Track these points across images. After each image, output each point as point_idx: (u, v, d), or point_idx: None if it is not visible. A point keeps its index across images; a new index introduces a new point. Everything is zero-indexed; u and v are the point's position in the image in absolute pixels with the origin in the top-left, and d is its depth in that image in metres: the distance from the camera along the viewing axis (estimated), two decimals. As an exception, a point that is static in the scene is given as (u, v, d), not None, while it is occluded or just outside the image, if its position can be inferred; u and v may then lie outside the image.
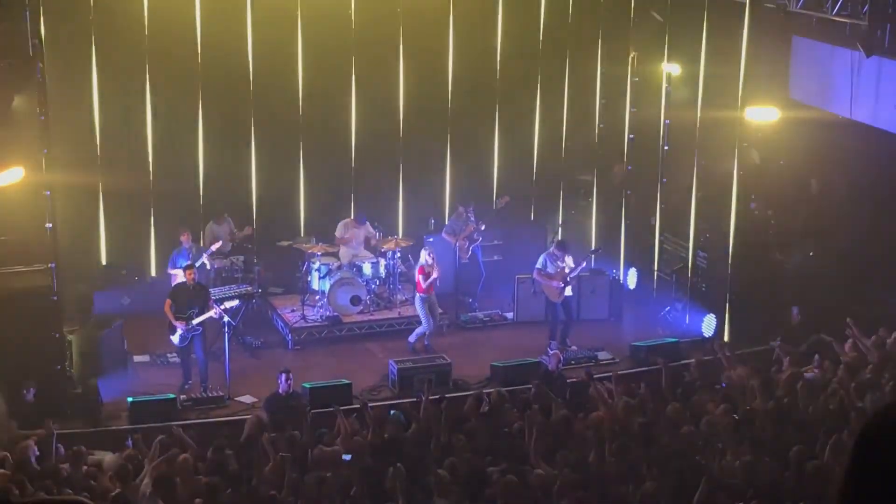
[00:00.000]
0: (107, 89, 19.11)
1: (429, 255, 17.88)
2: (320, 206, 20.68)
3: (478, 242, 20.00)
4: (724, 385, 15.06)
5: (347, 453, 12.39)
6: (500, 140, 21.80)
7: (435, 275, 17.76)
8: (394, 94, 20.84)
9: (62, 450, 12.82)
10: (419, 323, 18.48)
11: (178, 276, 17.42)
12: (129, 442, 13.48)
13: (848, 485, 2.30)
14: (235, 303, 17.30)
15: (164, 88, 19.40)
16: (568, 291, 18.27)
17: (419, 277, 17.82)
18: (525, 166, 22.17)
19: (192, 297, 16.41)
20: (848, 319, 15.78)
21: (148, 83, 19.25)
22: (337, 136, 20.68)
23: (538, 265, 18.24)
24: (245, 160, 20.18)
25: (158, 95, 19.37)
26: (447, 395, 14.65)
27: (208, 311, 16.37)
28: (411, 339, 18.04)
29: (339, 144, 20.71)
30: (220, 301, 16.94)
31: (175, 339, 16.43)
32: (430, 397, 13.92)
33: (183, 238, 18.14)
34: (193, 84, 19.53)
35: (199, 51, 19.41)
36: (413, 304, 18.57)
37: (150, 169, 19.60)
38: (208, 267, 18.32)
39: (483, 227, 19.88)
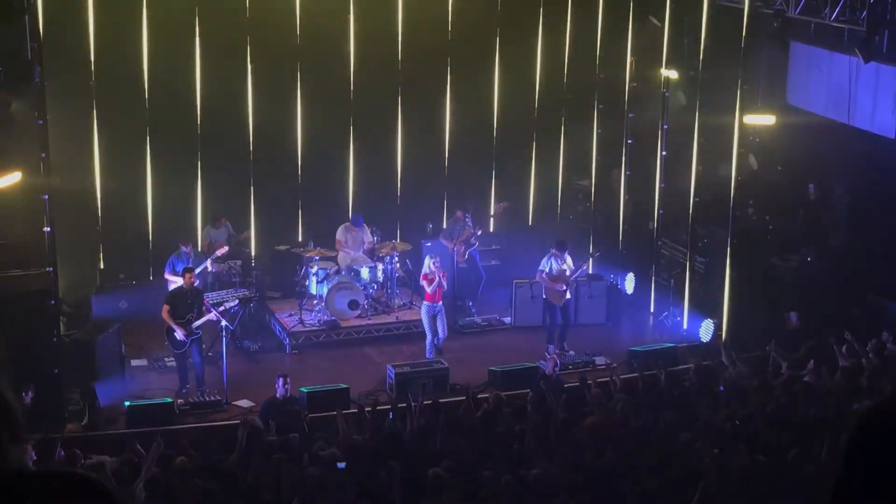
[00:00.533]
0: (105, 93, 19.09)
1: (433, 262, 17.68)
2: (318, 211, 20.67)
3: (475, 247, 20.00)
4: (721, 389, 15.06)
5: (342, 459, 12.35)
6: (499, 146, 21.80)
7: (438, 280, 17.53)
8: (391, 100, 20.83)
9: (62, 453, 12.79)
10: (416, 327, 18.59)
11: (175, 280, 17.42)
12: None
13: (843, 481, 2.29)
14: (234, 303, 17.30)
15: (163, 98, 19.39)
16: (568, 295, 18.29)
17: (423, 284, 17.70)
18: (523, 172, 22.18)
19: (190, 302, 16.40)
20: (847, 334, 15.81)
21: (147, 87, 19.23)
22: (335, 141, 20.68)
23: (542, 268, 18.23)
24: (243, 164, 20.17)
25: (158, 105, 19.36)
26: (442, 400, 14.68)
27: (205, 313, 16.36)
28: (428, 355, 17.82)
29: (337, 148, 20.71)
30: (218, 304, 16.92)
31: (174, 343, 16.40)
32: (424, 402, 13.94)
33: (182, 244, 18.13)
34: (192, 88, 19.52)
35: (199, 54, 19.40)
36: (420, 311, 18.63)
37: (149, 173, 19.59)
38: (210, 269, 18.30)
39: (479, 233, 19.89)
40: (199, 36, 19.37)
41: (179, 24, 19.26)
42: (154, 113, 19.40)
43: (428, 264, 17.70)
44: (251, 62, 19.77)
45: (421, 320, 18.51)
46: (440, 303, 17.67)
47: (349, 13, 20.15)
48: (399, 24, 20.54)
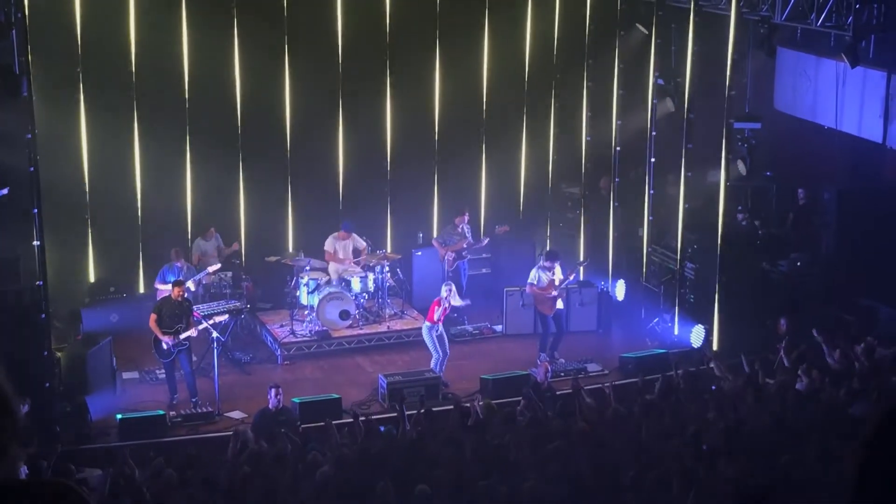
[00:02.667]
0: (94, 107, 19.08)
1: (448, 289, 17.45)
2: (308, 222, 20.67)
3: (466, 259, 20.01)
4: (713, 389, 15.08)
5: (336, 463, 12.34)
6: (488, 154, 21.85)
7: (443, 308, 17.38)
8: (381, 111, 20.87)
9: (45, 465, 12.77)
10: (407, 336, 18.70)
11: (165, 291, 17.42)
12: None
13: (864, 479, 2.29)
14: (225, 317, 17.28)
15: (151, 107, 19.39)
16: (559, 304, 18.31)
17: (434, 307, 17.49)
18: (513, 180, 22.22)
19: (178, 312, 16.39)
20: (838, 339, 15.90)
21: (136, 102, 19.24)
22: (325, 152, 20.70)
23: (531, 280, 18.26)
24: (233, 176, 20.17)
25: (146, 114, 19.36)
26: (434, 409, 14.69)
27: (194, 325, 16.36)
28: (435, 370, 17.57)
29: (327, 159, 20.73)
30: (209, 316, 16.91)
31: (160, 352, 16.39)
32: (410, 412, 13.96)
33: (174, 257, 18.11)
34: (181, 102, 19.53)
35: (187, 69, 19.41)
36: (404, 316, 18.60)
37: (138, 186, 19.59)
38: (195, 287, 18.26)
39: (486, 242, 20.01)
40: (187, 44, 19.36)
41: (168, 34, 19.25)
42: (143, 125, 19.38)
43: (444, 290, 17.45)
44: (239, 66, 19.76)
45: (414, 330, 18.58)
46: (441, 324, 17.49)
47: (337, 23, 20.19)
48: (387, 31, 20.56)
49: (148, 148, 19.53)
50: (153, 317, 16.39)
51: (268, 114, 20.21)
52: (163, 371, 16.98)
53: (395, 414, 14.55)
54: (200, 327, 16.38)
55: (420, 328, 19.02)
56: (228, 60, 19.68)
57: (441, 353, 17.39)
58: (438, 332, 17.43)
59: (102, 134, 19.23)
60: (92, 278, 19.61)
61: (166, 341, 16.23)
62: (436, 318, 17.34)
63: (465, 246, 19.84)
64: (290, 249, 20.21)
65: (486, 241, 20.22)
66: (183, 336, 16.26)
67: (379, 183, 21.17)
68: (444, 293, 17.37)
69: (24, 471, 12.35)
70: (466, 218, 20.10)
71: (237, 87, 19.81)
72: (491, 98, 21.57)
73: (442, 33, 20.95)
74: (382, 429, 14.20)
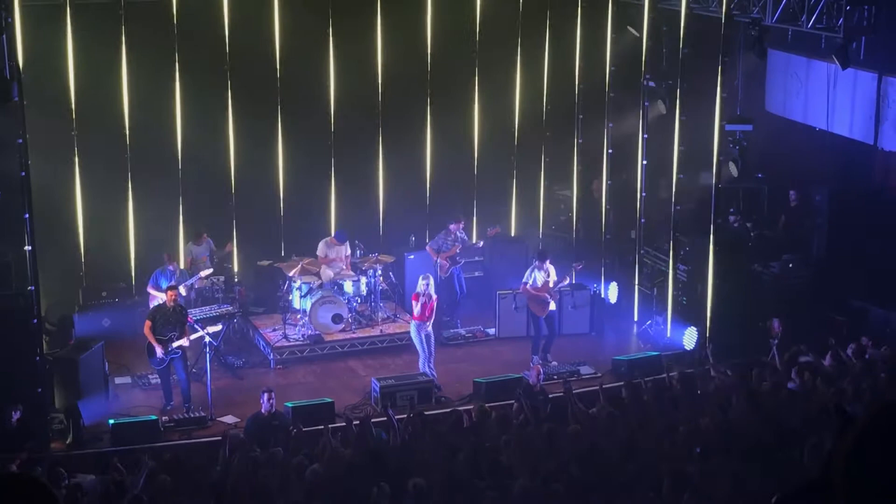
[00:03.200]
0: (85, 110, 19.05)
1: (425, 283, 17.40)
2: (300, 225, 20.65)
3: (460, 264, 19.99)
4: (702, 395, 15.08)
5: (326, 474, 12.33)
6: (480, 157, 21.84)
7: (423, 302, 17.24)
8: (373, 116, 20.85)
9: (40, 470, 12.75)
10: (400, 340, 18.79)
11: (158, 296, 17.40)
12: None
13: (850, 477, 2.29)
14: (218, 328, 17.19)
15: (142, 110, 19.36)
16: (552, 306, 18.33)
17: (413, 303, 17.55)
18: (504, 182, 22.22)
19: (172, 320, 16.36)
20: (831, 340, 15.95)
21: (126, 104, 19.20)
22: (316, 156, 20.69)
23: (525, 280, 18.27)
24: (225, 180, 20.15)
25: (137, 117, 19.33)
26: (427, 413, 14.69)
27: (189, 332, 16.32)
28: (422, 369, 17.50)
29: (319, 164, 20.72)
30: (203, 323, 16.85)
31: (154, 360, 16.36)
32: (400, 416, 13.97)
33: (168, 262, 18.09)
34: (172, 107, 19.50)
35: (178, 65, 19.39)
36: (397, 320, 18.61)
37: (130, 191, 19.55)
38: (186, 292, 18.24)
39: (480, 244, 19.99)
40: (179, 56, 19.33)
41: (160, 45, 19.21)
42: (135, 129, 19.34)
43: (420, 284, 17.46)
44: (231, 79, 19.75)
45: (407, 333, 18.60)
46: (428, 322, 17.43)
47: (329, 38, 20.17)
48: (378, 44, 20.55)
49: (140, 152, 19.49)
50: (147, 324, 16.35)
51: (259, 125, 20.17)
52: (155, 376, 16.96)
53: (383, 419, 14.50)
54: (193, 336, 16.34)
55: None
56: (219, 77, 19.66)
57: (426, 353, 17.32)
58: (426, 331, 17.36)
59: (95, 137, 19.18)
60: (84, 283, 19.57)
61: (158, 350, 16.17)
62: (417, 313, 17.30)
63: (458, 251, 19.81)
64: (283, 253, 20.20)
65: (480, 244, 20.17)
66: (175, 345, 16.20)
67: (372, 185, 21.15)
68: (420, 287, 17.32)
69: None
70: (462, 225, 20.05)
71: (229, 100, 19.78)
72: (482, 101, 21.55)
73: (434, 44, 20.93)
74: (384, 435, 14.17)
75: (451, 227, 20.03)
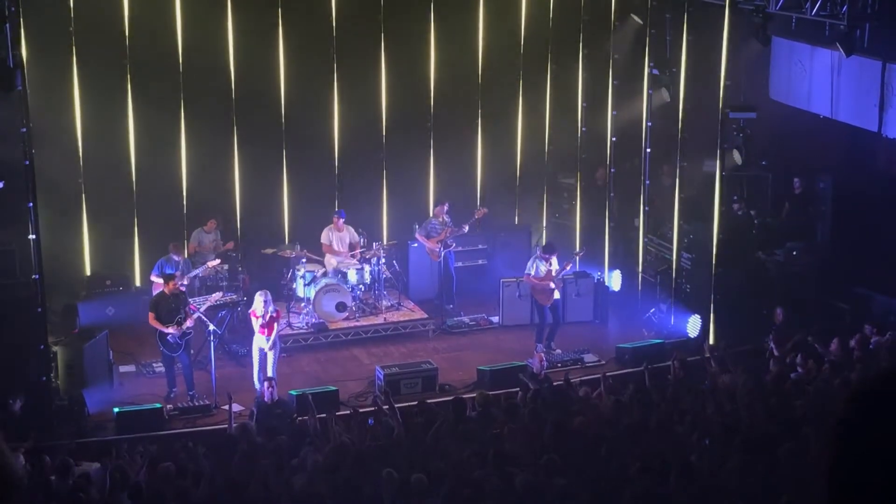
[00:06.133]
0: (89, 99, 19.05)
1: (263, 300, 16.37)
2: (304, 214, 20.65)
3: (451, 248, 19.96)
4: (707, 384, 15.10)
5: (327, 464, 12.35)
6: (484, 145, 21.84)
7: (265, 322, 16.36)
8: (376, 100, 20.84)
9: (48, 459, 12.78)
10: (404, 328, 18.75)
11: (161, 284, 17.42)
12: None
13: (838, 466, 2.28)
14: (218, 296, 17.25)
15: (146, 98, 19.36)
16: (556, 294, 18.33)
17: (253, 320, 16.58)
18: (508, 170, 22.23)
19: (174, 306, 16.36)
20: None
21: (130, 93, 19.21)
22: (320, 144, 20.69)
23: (528, 270, 18.27)
24: (228, 168, 20.15)
25: (141, 105, 19.34)
26: (431, 401, 14.73)
27: (190, 315, 16.34)
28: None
29: (322, 151, 20.71)
30: (201, 304, 16.94)
31: (167, 346, 16.31)
32: (386, 406, 14.00)
33: (173, 251, 18.07)
34: (176, 93, 19.49)
35: (181, 60, 19.37)
36: (401, 308, 18.61)
37: (134, 179, 19.56)
38: (201, 275, 18.31)
39: (466, 230, 19.87)
40: (182, 38, 19.34)
41: (163, 21, 19.21)
42: (139, 115, 19.34)
43: (258, 303, 16.37)
44: (234, 65, 19.74)
45: (408, 322, 18.69)
46: (272, 336, 16.44)
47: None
48: (381, 30, 20.55)
49: (144, 140, 19.50)
50: (151, 315, 16.35)
51: (264, 105, 20.16)
52: (159, 364, 16.98)
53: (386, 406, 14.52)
54: (205, 307, 16.41)
55: (416, 320, 19.12)
56: (223, 55, 19.64)
57: (259, 366, 16.53)
58: (268, 345, 16.43)
59: (97, 126, 19.19)
60: (88, 272, 19.59)
61: (171, 332, 16.17)
62: (257, 330, 16.43)
63: (448, 234, 19.77)
64: (287, 242, 20.21)
65: (465, 228, 20.03)
66: (186, 325, 16.22)
67: (375, 174, 21.14)
68: (258, 306, 16.38)
69: (22, 463, 12.37)
70: (446, 208, 20.00)
71: (232, 79, 19.76)
72: (486, 89, 21.54)
73: (435, 20, 20.90)
74: (371, 421, 14.20)
75: (437, 210, 20.02)
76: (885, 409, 2.25)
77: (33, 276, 15.37)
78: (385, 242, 20.08)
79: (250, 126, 20.14)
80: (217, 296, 17.30)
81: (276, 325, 16.44)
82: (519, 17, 21.48)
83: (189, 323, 16.28)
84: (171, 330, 16.17)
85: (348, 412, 14.67)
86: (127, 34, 18.97)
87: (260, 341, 16.43)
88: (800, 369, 14.97)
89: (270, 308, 16.36)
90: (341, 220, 19.31)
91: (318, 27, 20.19)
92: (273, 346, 16.42)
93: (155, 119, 19.54)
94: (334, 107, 20.56)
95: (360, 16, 20.51)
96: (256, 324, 16.46)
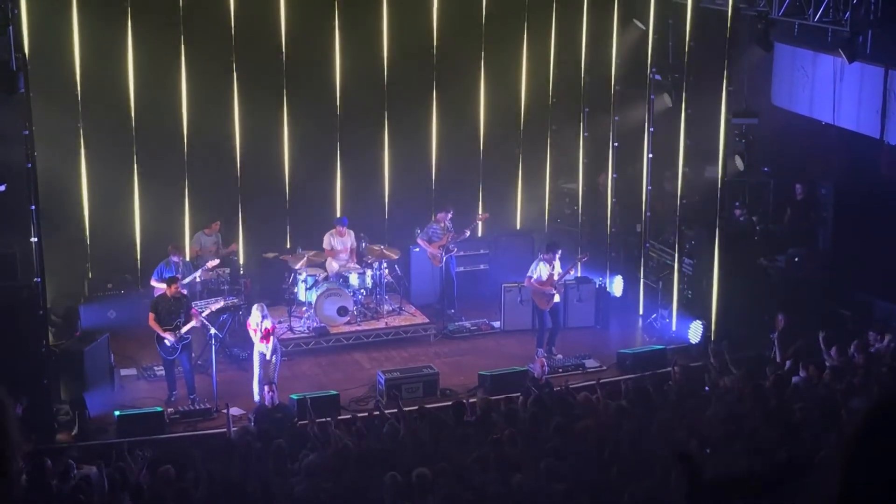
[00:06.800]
0: (91, 102, 19.04)
1: (261, 314, 16.31)
2: (306, 218, 20.65)
3: (453, 253, 19.95)
4: (707, 389, 15.09)
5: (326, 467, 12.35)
6: (486, 150, 21.83)
7: (261, 334, 16.31)
8: (378, 105, 20.83)
9: (50, 462, 12.77)
10: (405, 333, 18.84)
11: (162, 288, 17.40)
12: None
13: (849, 485, 2.28)
14: (220, 304, 17.27)
15: (149, 101, 19.36)
16: (556, 299, 18.32)
17: (252, 333, 16.55)
18: (510, 175, 22.22)
19: (174, 309, 16.37)
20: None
21: (132, 95, 19.21)
22: (322, 148, 20.68)
23: (531, 273, 18.26)
24: (231, 172, 20.15)
25: (143, 106, 19.34)
26: (432, 406, 14.74)
27: (192, 318, 16.35)
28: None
29: (325, 156, 20.71)
30: (204, 308, 16.93)
31: (164, 349, 16.36)
32: (395, 409, 14.01)
33: (172, 253, 18.06)
34: (178, 95, 19.50)
35: (185, 63, 19.38)
36: (402, 312, 18.62)
37: (136, 182, 19.56)
38: (198, 279, 18.28)
39: (467, 234, 19.84)
40: (185, 46, 19.32)
41: (165, 35, 19.20)
42: (140, 121, 19.34)
43: (255, 317, 16.37)
44: (237, 69, 19.74)
45: (409, 326, 18.68)
46: (270, 344, 16.39)
47: (335, 24, 20.17)
48: (384, 34, 20.54)
49: (146, 144, 19.49)
50: (151, 316, 16.38)
51: (265, 115, 20.15)
52: (160, 368, 16.99)
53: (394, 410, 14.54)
54: (195, 322, 16.36)
55: (418, 324, 19.11)
56: (225, 65, 19.65)
57: (259, 373, 16.45)
58: (267, 353, 16.38)
59: (100, 128, 19.19)
60: (89, 275, 19.58)
61: (168, 338, 16.20)
62: (257, 340, 16.41)
63: (449, 239, 19.76)
64: (288, 246, 20.21)
65: (467, 233, 20.03)
66: (184, 330, 16.25)
67: (377, 178, 21.15)
68: (255, 319, 16.38)
69: (22, 466, 12.35)
70: (450, 215, 19.99)
71: (234, 90, 19.78)
72: (487, 95, 21.54)
73: (440, 42, 20.90)
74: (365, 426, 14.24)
75: (440, 216, 20.02)
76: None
77: (34, 279, 15.38)
78: (387, 247, 20.06)
79: (255, 130, 20.12)
80: (218, 304, 17.26)
81: (271, 336, 16.40)
82: (522, 24, 21.47)
83: (193, 323, 16.28)
84: (167, 336, 16.17)
85: (349, 416, 14.66)
86: (130, 38, 18.97)
87: (260, 347, 16.43)
88: (801, 375, 14.95)
89: (266, 322, 16.33)
90: (343, 228, 19.33)
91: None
92: (274, 352, 16.40)
93: (158, 124, 19.54)
94: (336, 109, 20.56)
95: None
96: (253, 335, 16.44)
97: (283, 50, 19.97)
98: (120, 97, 19.17)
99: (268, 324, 16.30)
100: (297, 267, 18.84)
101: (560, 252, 18.41)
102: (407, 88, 21.02)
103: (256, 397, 16.16)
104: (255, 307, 16.57)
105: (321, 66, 20.36)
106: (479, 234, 21.06)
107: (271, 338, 16.35)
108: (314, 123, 20.56)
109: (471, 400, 15.30)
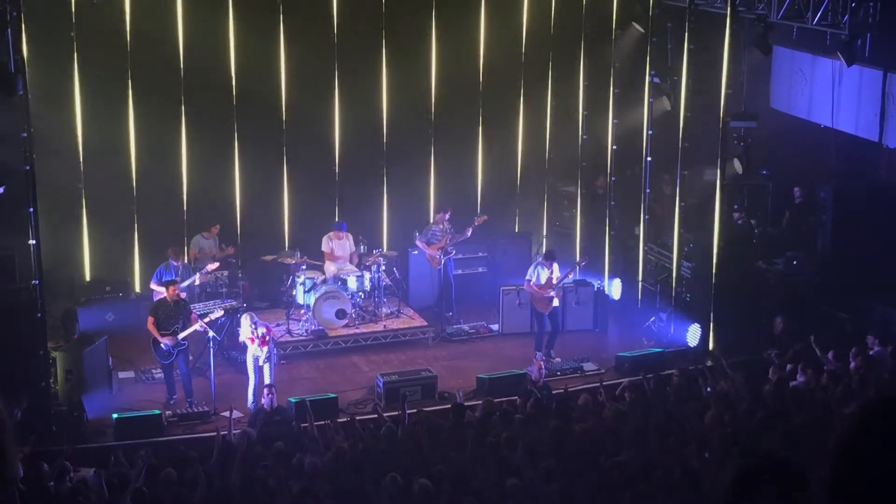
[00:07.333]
0: (89, 104, 19.05)
1: (252, 325, 16.24)
2: (304, 220, 20.64)
3: (451, 255, 19.94)
4: (708, 391, 15.07)
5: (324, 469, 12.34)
6: (484, 152, 21.84)
7: (258, 342, 16.25)
8: (377, 106, 20.84)
9: (46, 466, 12.75)
10: (403, 336, 18.83)
11: (161, 291, 17.38)
12: None
13: (837, 488, 2.28)
14: (220, 314, 17.26)
15: (146, 103, 19.36)
16: (555, 302, 18.32)
17: (247, 341, 16.46)
18: (509, 177, 22.22)
19: (174, 312, 16.36)
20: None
21: (131, 98, 19.21)
22: (320, 150, 20.69)
23: (528, 277, 18.26)
24: (229, 174, 20.14)
25: (141, 110, 19.34)
26: (429, 409, 14.74)
27: (192, 324, 16.34)
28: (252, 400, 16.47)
29: (323, 158, 20.71)
30: (204, 314, 16.91)
31: (160, 354, 16.37)
32: (387, 414, 14.00)
33: (172, 257, 18.04)
34: (176, 98, 19.49)
35: (182, 65, 19.38)
36: (400, 315, 18.63)
37: (134, 184, 19.56)
38: (197, 283, 18.27)
39: (469, 233, 19.79)
40: (183, 39, 19.33)
41: (164, 25, 19.20)
42: (140, 121, 19.34)
43: (246, 328, 16.29)
44: (235, 70, 19.75)
45: (407, 329, 18.67)
46: (266, 347, 16.38)
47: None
48: (382, 36, 20.56)
49: (144, 146, 19.50)
50: (150, 319, 16.36)
51: (264, 109, 20.14)
52: (159, 371, 16.98)
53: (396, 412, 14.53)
54: (196, 326, 16.34)
55: (416, 327, 19.09)
56: (224, 58, 19.64)
57: (255, 379, 16.36)
58: (261, 357, 16.35)
59: (98, 132, 19.20)
60: (88, 277, 19.58)
61: (165, 343, 16.19)
62: (258, 346, 16.31)
63: (448, 241, 19.75)
64: (287, 248, 20.20)
65: (468, 233, 20.00)
66: (182, 336, 16.24)
67: (375, 181, 21.14)
68: (246, 329, 16.26)
69: (20, 470, 12.34)
70: (448, 216, 19.99)
71: (233, 84, 19.77)
72: (487, 96, 21.55)
73: (437, 26, 20.91)
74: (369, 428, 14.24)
75: (437, 217, 20.02)
76: (888, 434, 2.26)
77: (33, 282, 15.36)
78: (385, 250, 20.06)
79: (251, 131, 20.13)
80: (218, 313, 17.18)
81: (268, 339, 16.37)
82: (521, 24, 21.48)
83: (195, 327, 16.27)
84: (165, 340, 16.16)
85: (346, 419, 14.66)
86: (128, 38, 18.96)
87: (255, 351, 16.39)
88: (799, 378, 14.94)
89: (260, 329, 16.29)
90: (342, 233, 19.33)
91: (319, 30, 20.17)
92: (268, 356, 16.39)
93: (156, 125, 19.54)
94: (335, 113, 20.57)
95: (361, 19, 20.49)
96: (250, 343, 16.37)
97: (282, 32, 19.99)
98: (119, 97, 19.16)
99: (262, 329, 16.29)
100: (294, 269, 18.83)
101: (556, 261, 18.37)
102: (404, 84, 21.02)
103: (249, 403, 16.13)
104: (243, 318, 16.51)
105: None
106: (473, 235, 20.98)
107: (269, 340, 16.33)
108: (313, 121, 20.55)
109: (472, 402, 15.32)
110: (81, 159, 19.14)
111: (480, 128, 21.69)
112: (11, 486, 2.44)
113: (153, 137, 19.58)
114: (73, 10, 18.60)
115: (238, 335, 18.21)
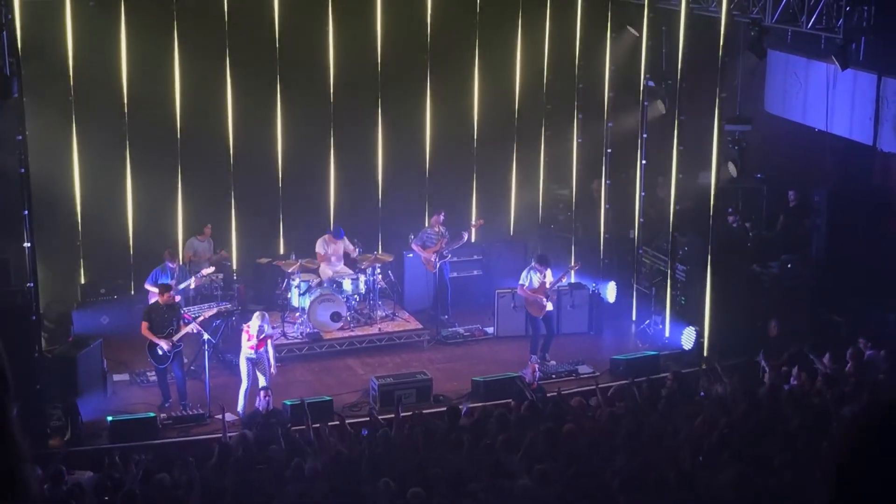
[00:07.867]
0: (83, 106, 19.03)
1: (261, 322, 16.23)
2: (300, 223, 20.65)
3: (447, 259, 19.95)
4: (702, 394, 15.10)
5: (330, 467, 12.35)
6: (479, 156, 21.85)
7: (256, 343, 16.20)
8: (371, 110, 20.85)
9: (40, 470, 12.74)
10: (398, 338, 18.81)
11: (156, 292, 17.38)
12: None
13: (842, 481, 2.29)
14: (213, 312, 17.25)
15: (142, 106, 19.35)
16: (549, 306, 18.32)
17: (244, 337, 16.41)
18: (504, 181, 22.23)
19: (168, 316, 16.35)
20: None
21: (126, 99, 19.20)
22: (316, 152, 20.69)
23: (522, 281, 18.27)
24: (224, 178, 20.14)
25: (136, 114, 19.33)
26: (425, 411, 14.74)
27: (184, 326, 16.32)
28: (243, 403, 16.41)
29: (319, 159, 20.72)
30: (197, 316, 16.91)
31: (156, 357, 16.34)
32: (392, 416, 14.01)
33: (168, 258, 18.03)
34: (172, 103, 19.50)
35: (178, 67, 19.38)
36: (395, 318, 18.61)
37: (129, 187, 19.55)
38: (193, 286, 18.26)
39: (466, 237, 19.81)
40: (178, 46, 19.33)
41: (158, 35, 19.20)
42: (133, 126, 19.34)
43: (254, 325, 16.19)
44: (230, 72, 19.74)
45: (402, 332, 18.67)
46: (260, 350, 16.34)
47: (328, 22, 20.18)
48: (378, 34, 20.57)
49: (139, 149, 19.49)
50: (144, 324, 16.34)
51: (258, 120, 20.14)
52: (153, 373, 16.96)
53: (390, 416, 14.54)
54: (188, 328, 16.33)
55: (411, 330, 19.09)
56: (219, 66, 19.65)
57: (249, 383, 16.31)
58: (257, 358, 16.29)
59: (92, 135, 19.18)
60: (82, 280, 19.56)
61: (161, 346, 16.16)
62: (251, 345, 16.22)
63: (444, 245, 19.76)
64: (282, 251, 20.20)
65: (465, 237, 20.02)
66: (176, 338, 16.23)
67: (370, 185, 21.15)
68: (254, 326, 16.19)
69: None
70: (442, 218, 20.00)
71: (228, 95, 19.78)
72: (481, 100, 21.57)
73: (434, 46, 20.93)
74: (365, 432, 14.23)
75: (432, 220, 20.03)
76: (887, 440, 2.26)
77: (28, 285, 15.36)
78: (380, 252, 20.06)
79: (246, 136, 20.13)
80: (210, 312, 17.25)
81: (266, 343, 16.38)
82: (515, 31, 21.50)
83: (189, 329, 16.27)
84: (161, 343, 16.16)
85: (336, 423, 14.67)
86: (123, 44, 18.96)
87: (249, 353, 16.36)
88: (794, 381, 14.97)
89: (266, 328, 16.32)
90: (338, 239, 19.35)
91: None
92: (265, 359, 16.36)
93: (151, 130, 19.55)
94: (331, 119, 20.57)
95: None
96: (245, 340, 16.34)
97: (277, 46, 19.97)
98: (114, 99, 19.16)
99: (268, 330, 16.31)
100: (289, 272, 18.83)
101: (549, 265, 18.39)
102: (399, 93, 21.03)
103: (240, 407, 16.11)
104: (256, 314, 16.53)
105: (317, 66, 20.33)
106: (473, 241, 21.03)
107: (267, 343, 16.33)
108: (308, 127, 20.57)
109: (470, 405, 15.34)
110: (76, 162, 19.12)
111: (476, 131, 21.69)
112: (35, 483, 2.32)
113: (149, 141, 19.58)
114: (69, 21, 18.61)
115: (231, 338, 18.29)
